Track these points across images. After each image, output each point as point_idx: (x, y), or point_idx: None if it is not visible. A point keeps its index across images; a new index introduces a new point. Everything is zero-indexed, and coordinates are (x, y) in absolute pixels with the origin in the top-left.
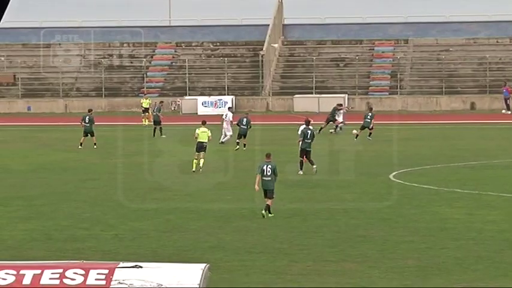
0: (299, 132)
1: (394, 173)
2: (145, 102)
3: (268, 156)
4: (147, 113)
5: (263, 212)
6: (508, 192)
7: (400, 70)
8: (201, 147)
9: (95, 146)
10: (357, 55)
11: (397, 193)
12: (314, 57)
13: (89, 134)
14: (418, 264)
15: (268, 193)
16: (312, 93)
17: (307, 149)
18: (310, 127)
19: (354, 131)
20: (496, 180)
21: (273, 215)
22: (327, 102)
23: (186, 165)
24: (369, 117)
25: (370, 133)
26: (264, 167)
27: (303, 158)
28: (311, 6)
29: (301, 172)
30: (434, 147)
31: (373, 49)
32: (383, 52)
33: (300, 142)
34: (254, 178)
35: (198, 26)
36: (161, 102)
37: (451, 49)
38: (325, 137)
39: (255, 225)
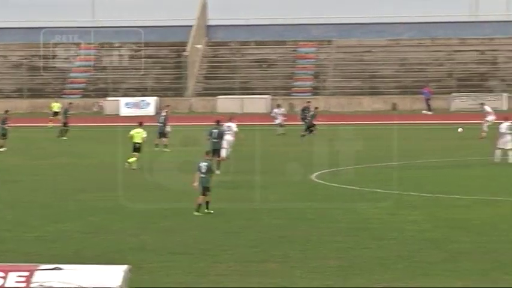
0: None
1: (316, 174)
2: (56, 106)
3: (207, 154)
4: (57, 116)
5: (196, 212)
6: (428, 192)
7: (323, 71)
8: (135, 147)
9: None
10: (280, 56)
11: (319, 193)
12: (238, 58)
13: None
14: (340, 264)
15: (204, 190)
16: (235, 94)
17: (216, 148)
18: (224, 127)
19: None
20: (417, 180)
21: (212, 211)
22: (250, 102)
23: (108, 167)
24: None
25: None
26: (201, 164)
27: (215, 157)
28: (235, 7)
29: (218, 172)
30: (356, 147)
31: (296, 50)
32: (306, 53)
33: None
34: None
35: (121, 26)
36: (70, 103)
37: (373, 50)
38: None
39: (178, 226)
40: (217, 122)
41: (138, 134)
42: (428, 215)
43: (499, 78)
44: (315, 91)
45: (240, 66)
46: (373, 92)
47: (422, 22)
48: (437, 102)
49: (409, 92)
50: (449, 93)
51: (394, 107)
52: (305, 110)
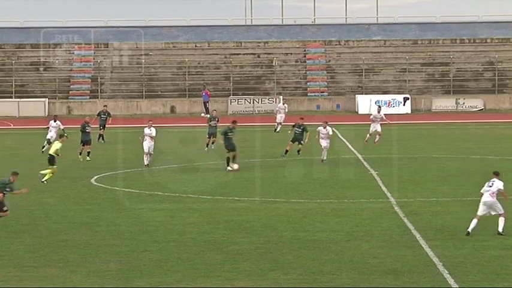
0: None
1: (96, 177)
2: None
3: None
4: None
5: None
6: (207, 194)
7: (101, 74)
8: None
9: None
10: (57, 59)
11: (99, 197)
12: (13, 61)
13: None
14: (120, 267)
15: None
16: (11, 97)
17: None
18: None
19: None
20: (196, 182)
21: None
22: (26, 106)
23: None
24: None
25: None
26: None
27: None
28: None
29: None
30: (134, 150)
31: (73, 53)
32: (84, 56)
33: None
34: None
35: None
36: None
37: (151, 53)
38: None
39: None
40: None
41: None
42: (207, 216)
43: (274, 81)
44: (93, 94)
45: (15, 69)
46: (151, 95)
47: (198, 25)
48: (215, 105)
49: (188, 95)
50: (227, 96)
51: (172, 109)
52: (102, 113)
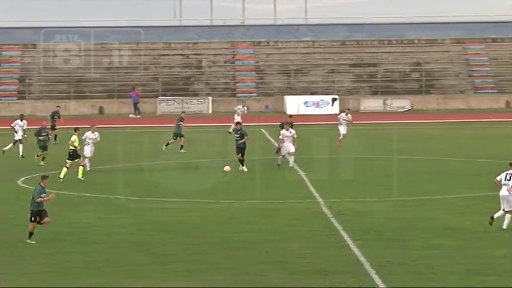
0: None
1: (22, 179)
2: None
3: None
4: None
5: None
6: (135, 195)
7: (28, 75)
8: None
9: None
10: None
11: (25, 198)
12: None
13: None
14: (45, 269)
15: None
16: None
17: None
18: None
19: None
20: (124, 183)
21: None
22: None
23: None
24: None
25: None
26: None
27: None
28: None
29: None
30: (61, 151)
31: (1, 54)
32: (11, 57)
33: None
34: None
35: None
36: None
37: (79, 54)
38: None
39: None
40: None
41: None
42: (136, 218)
43: (203, 82)
44: (21, 95)
45: None
46: (80, 96)
47: (128, 26)
48: (144, 106)
49: (116, 95)
50: (156, 96)
51: (101, 110)
52: (54, 114)
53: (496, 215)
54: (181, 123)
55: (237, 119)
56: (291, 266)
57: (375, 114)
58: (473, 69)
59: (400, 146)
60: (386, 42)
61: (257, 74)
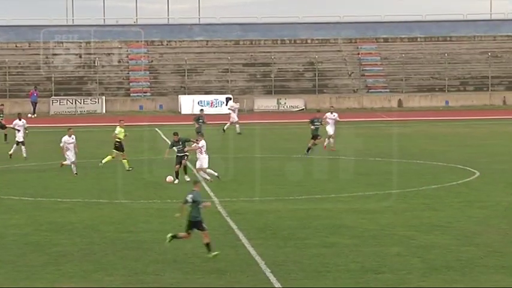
0: None
1: None
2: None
3: None
4: None
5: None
6: (29, 195)
7: None
8: None
9: None
10: None
11: None
12: None
13: None
14: None
15: None
16: None
17: None
18: None
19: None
20: (17, 184)
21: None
22: None
23: None
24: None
25: None
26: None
27: None
28: None
29: None
30: None
31: None
32: None
33: None
34: None
35: None
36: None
37: None
38: None
39: None
40: None
41: None
42: (29, 218)
43: (96, 82)
44: None
45: None
46: None
47: (19, 25)
48: (38, 106)
49: (8, 95)
50: (49, 96)
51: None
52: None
53: None
54: (201, 121)
55: (233, 116)
56: (186, 265)
57: (269, 114)
58: (365, 68)
59: (294, 146)
60: (279, 41)
61: (151, 73)
